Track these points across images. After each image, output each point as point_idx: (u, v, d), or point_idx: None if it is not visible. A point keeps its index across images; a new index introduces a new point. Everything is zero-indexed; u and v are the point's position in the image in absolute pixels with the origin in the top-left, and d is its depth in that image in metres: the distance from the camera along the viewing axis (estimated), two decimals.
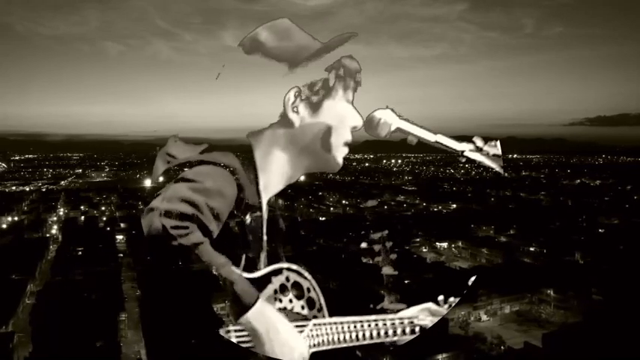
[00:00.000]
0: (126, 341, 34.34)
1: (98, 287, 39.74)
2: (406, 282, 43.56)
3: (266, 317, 1.46)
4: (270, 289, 1.57)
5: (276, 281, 1.60)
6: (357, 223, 68.08)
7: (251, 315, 1.43)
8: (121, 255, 55.32)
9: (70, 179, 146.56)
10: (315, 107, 1.73)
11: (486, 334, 33.67)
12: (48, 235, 63.95)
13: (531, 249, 52.16)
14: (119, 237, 64.41)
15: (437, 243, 61.27)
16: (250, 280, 1.51)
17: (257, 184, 1.67)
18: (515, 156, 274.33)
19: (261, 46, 1.73)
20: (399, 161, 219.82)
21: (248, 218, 1.63)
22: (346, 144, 1.75)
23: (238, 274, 1.49)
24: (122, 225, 71.25)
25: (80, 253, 50.04)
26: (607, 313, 32.17)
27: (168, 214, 1.38)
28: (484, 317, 37.50)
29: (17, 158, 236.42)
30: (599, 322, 30.16)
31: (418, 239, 60.87)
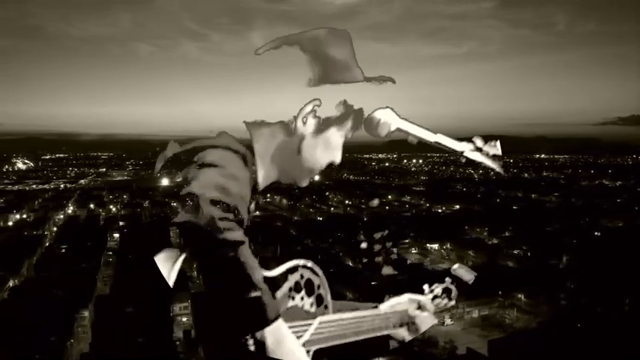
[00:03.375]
0: (86, 337, 35.02)
1: (72, 284, 40.62)
2: (373, 283, 43.37)
3: (281, 337, 1.53)
4: (286, 287, 1.68)
5: (292, 279, 1.71)
6: (351, 223, 67.78)
7: (268, 331, 1.50)
8: (110, 252, 56.47)
9: (89, 178, 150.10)
10: (320, 128, 1.82)
11: (444, 338, 32.94)
12: (46, 233, 65.61)
13: (515, 252, 50.83)
14: (116, 235, 65.86)
15: (427, 244, 60.39)
16: (269, 277, 1.62)
17: (256, 173, 1.75)
18: (542, 156, 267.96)
19: (319, 46, 1.78)
20: (420, 161, 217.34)
21: (252, 208, 1.71)
22: (318, 172, 1.87)
23: (265, 286, 1.55)
24: (121, 223, 72.88)
25: (63, 250, 51.29)
26: (561, 319, 31.11)
27: (213, 202, 1.49)
28: (448, 321, 36.62)
29: (48, 157, 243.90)
30: (550, 328, 29.19)
31: (407, 240, 60.09)
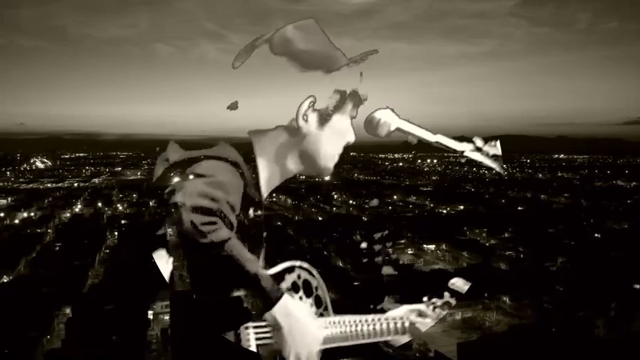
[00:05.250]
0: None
1: (62, 282, 41.28)
2: (355, 284, 43.09)
3: (290, 311, 1.56)
4: (283, 286, 1.67)
5: (289, 279, 1.69)
6: (349, 223, 67.55)
7: (276, 310, 1.54)
8: (107, 251, 57.30)
9: (103, 177, 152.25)
10: (324, 119, 1.84)
11: (419, 340, 32.47)
12: (49, 231, 66.79)
13: (507, 253, 50.04)
14: (116, 233, 66.74)
15: (424, 245, 59.85)
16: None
17: (257, 180, 1.77)
18: (561, 156, 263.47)
19: (289, 45, 1.79)
20: (435, 161, 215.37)
21: (251, 213, 1.73)
22: (339, 154, 1.88)
23: (264, 271, 1.59)
24: (123, 222, 73.82)
25: (57, 248, 52.15)
26: (538, 322, 30.47)
27: (195, 210, 1.48)
28: None
29: (67, 157, 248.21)
30: (522, 332, 28.60)
31: (403, 241, 59.64)
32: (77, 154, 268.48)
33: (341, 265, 49.50)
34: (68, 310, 36.96)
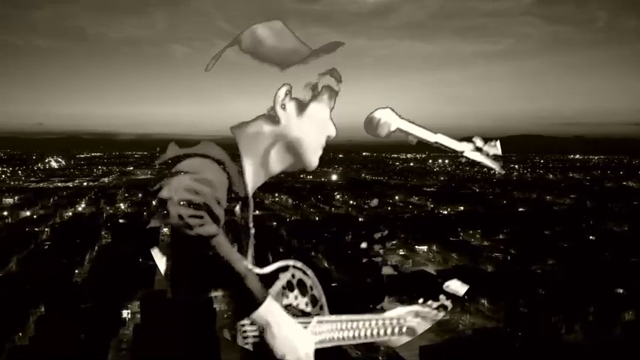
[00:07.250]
0: None
1: (44, 280, 41.78)
2: (333, 285, 42.80)
3: (274, 314, 1.57)
4: (278, 285, 1.69)
5: (284, 278, 1.71)
6: (345, 223, 67.30)
7: (262, 310, 1.55)
8: (97, 249, 57.92)
9: (112, 176, 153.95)
10: (301, 108, 1.86)
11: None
12: (46, 229, 67.77)
13: (494, 255, 49.29)
14: (111, 232, 67.39)
15: (416, 246, 59.33)
16: (260, 275, 1.64)
17: (243, 176, 1.79)
18: (576, 156, 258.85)
19: (258, 44, 1.84)
20: (446, 161, 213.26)
21: (237, 211, 1.75)
22: (322, 147, 1.89)
23: (250, 271, 1.60)
24: (121, 221, 74.65)
25: (47, 247, 52.82)
26: (499, 328, 29.87)
27: (182, 203, 1.50)
28: None
29: (82, 156, 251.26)
30: (483, 337, 28.07)
31: (394, 241, 59.17)
32: (93, 154, 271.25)
33: (326, 265, 49.34)
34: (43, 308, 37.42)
